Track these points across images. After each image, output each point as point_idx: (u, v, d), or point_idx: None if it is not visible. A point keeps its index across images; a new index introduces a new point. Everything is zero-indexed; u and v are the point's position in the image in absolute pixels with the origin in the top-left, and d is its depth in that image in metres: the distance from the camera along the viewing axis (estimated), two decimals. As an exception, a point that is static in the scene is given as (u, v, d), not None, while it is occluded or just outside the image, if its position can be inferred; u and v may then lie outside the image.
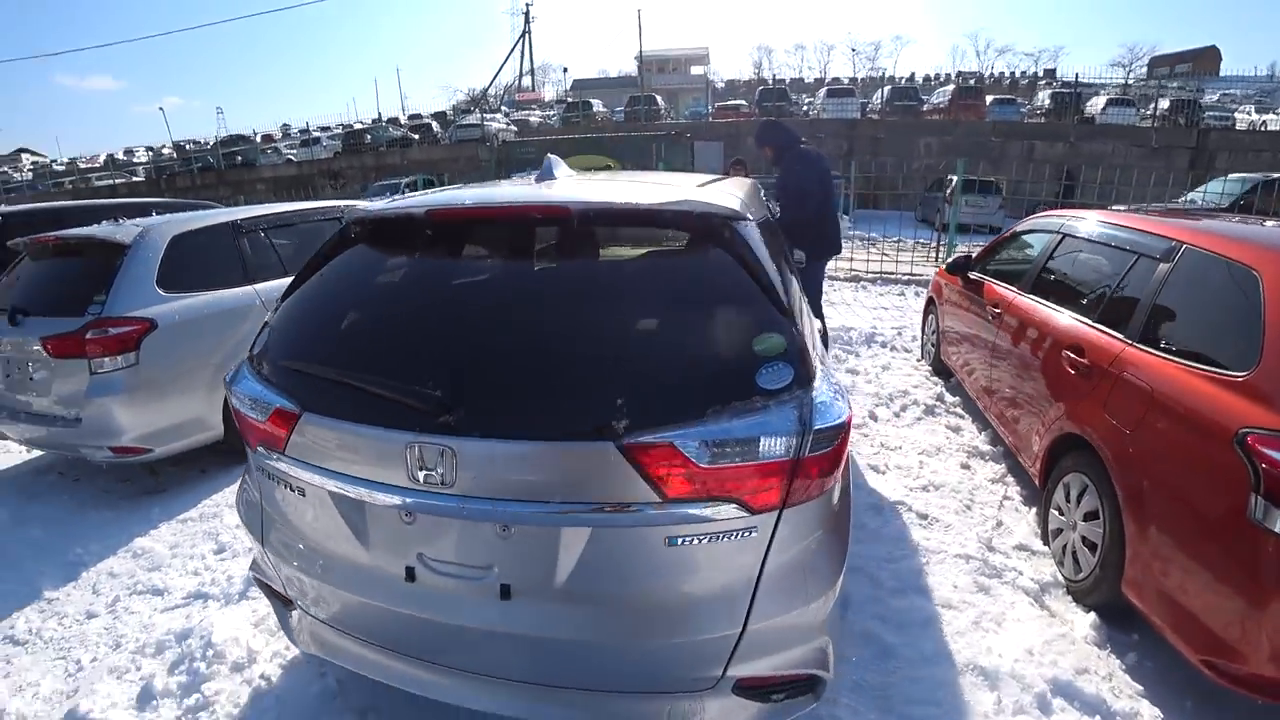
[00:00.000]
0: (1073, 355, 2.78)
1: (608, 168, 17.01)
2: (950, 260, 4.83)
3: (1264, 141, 22.55)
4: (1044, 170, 14.93)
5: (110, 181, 30.35)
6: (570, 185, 1.86)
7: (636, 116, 25.01)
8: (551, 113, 32.49)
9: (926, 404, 4.47)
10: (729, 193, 1.75)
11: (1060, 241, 3.55)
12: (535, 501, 1.38)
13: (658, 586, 1.39)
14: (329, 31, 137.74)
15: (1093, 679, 2.13)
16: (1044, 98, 28.22)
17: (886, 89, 28.08)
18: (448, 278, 1.76)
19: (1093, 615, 2.40)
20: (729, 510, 1.33)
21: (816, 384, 1.41)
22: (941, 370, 5.00)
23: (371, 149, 27.43)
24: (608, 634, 1.40)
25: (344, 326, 1.73)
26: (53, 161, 42.24)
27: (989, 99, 26.93)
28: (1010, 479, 3.49)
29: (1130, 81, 36.97)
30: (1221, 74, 45.01)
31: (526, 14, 45.51)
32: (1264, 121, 26.05)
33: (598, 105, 29.83)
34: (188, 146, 39.47)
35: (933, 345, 5.20)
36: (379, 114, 41.27)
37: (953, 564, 2.74)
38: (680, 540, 1.34)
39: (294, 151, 30.69)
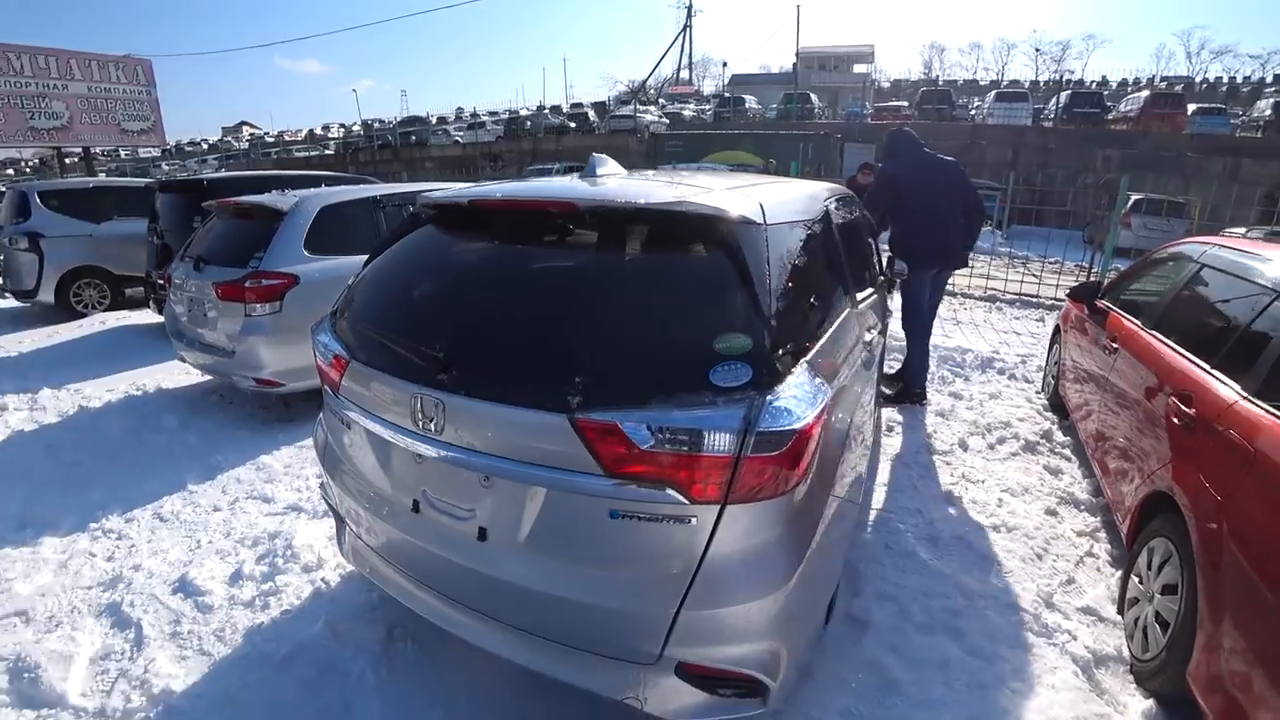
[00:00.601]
0: (1179, 403, 2.47)
1: (750, 165, 16.90)
2: (1078, 285, 4.37)
3: None
4: (1253, 193, 12.83)
5: (307, 154, 34.66)
6: (598, 183, 1.99)
7: (789, 115, 24.47)
8: (706, 107, 32.67)
9: (1029, 440, 4.13)
10: (749, 195, 1.78)
11: (1198, 271, 3.15)
12: (506, 458, 1.55)
13: (601, 554, 1.50)
14: (505, 20, 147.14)
15: (1119, 769, 1.95)
16: (1264, 107, 24.09)
17: (1065, 94, 25.22)
18: (473, 258, 1.99)
19: (1150, 703, 2.14)
20: (667, 495, 1.41)
21: (781, 388, 1.44)
22: (1058, 405, 4.56)
23: (530, 135, 29.13)
24: (560, 589, 1.53)
25: (394, 293, 2.01)
26: (265, 134, 48.94)
27: (1191, 108, 23.47)
28: (1102, 535, 3.17)
29: None
30: None
31: (689, 8, 45.88)
32: None
33: (751, 101, 29.51)
34: (374, 125, 44.08)
35: (1053, 378, 4.76)
36: (542, 102, 43.66)
37: (999, 612, 2.56)
38: (621, 515, 1.45)
39: (461, 134, 33.29)
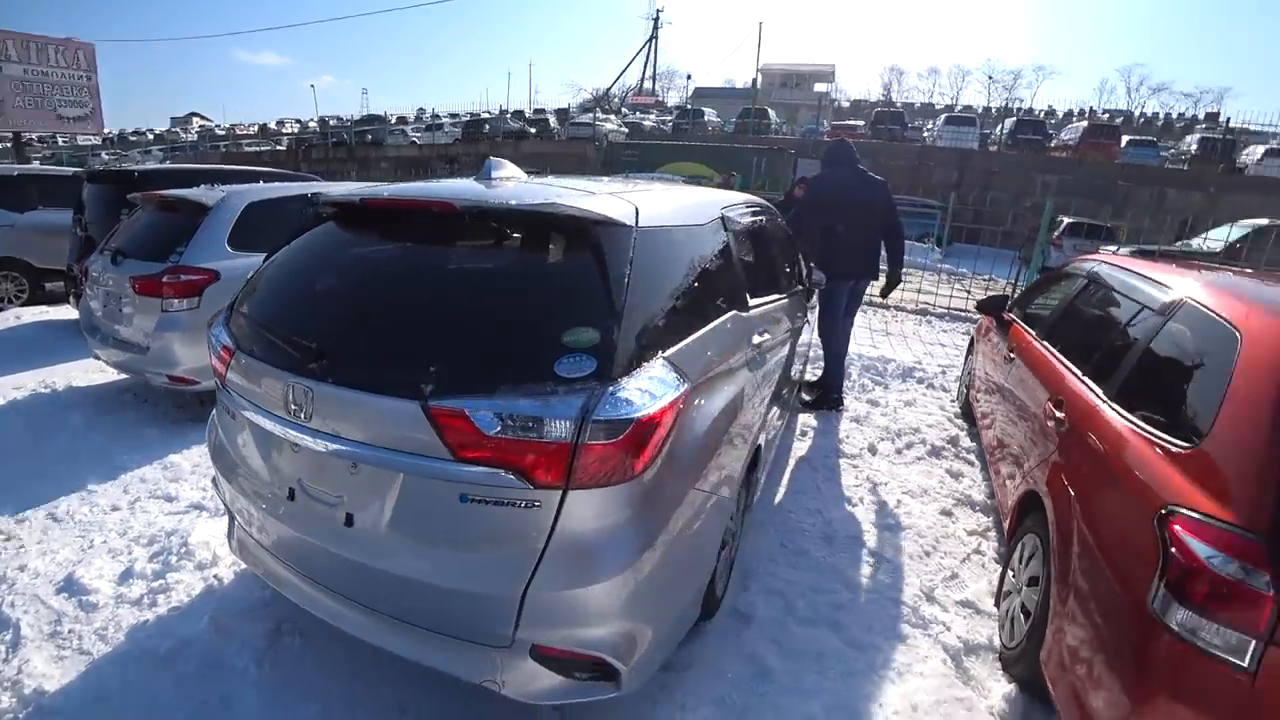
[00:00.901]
0: (1052, 407, 2.66)
1: (703, 177, 17.18)
2: (986, 298, 4.64)
3: None
4: (1175, 220, 13.62)
5: (257, 149, 33.76)
6: (490, 185, 2.06)
7: (746, 129, 24.96)
8: (668, 118, 33.06)
9: (935, 445, 4.33)
10: (629, 200, 1.88)
11: (1085, 286, 3.42)
12: (369, 444, 1.62)
13: (454, 538, 1.58)
14: (472, 21, 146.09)
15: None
16: (1191, 142, 25.73)
17: (1011, 121, 26.44)
18: (358, 254, 2.07)
19: (1013, 688, 2.30)
20: (512, 479, 1.49)
21: (628, 380, 1.53)
22: (968, 413, 4.80)
23: (488, 138, 28.97)
24: (419, 573, 1.59)
25: (283, 287, 2.06)
26: (215, 126, 47.49)
27: (1125, 139, 24.88)
28: (991, 534, 3.36)
29: None
30: None
31: (656, 19, 46.40)
32: None
33: (711, 114, 29.99)
34: (330, 122, 43.18)
35: (965, 387, 5.02)
36: (504, 106, 43.49)
37: (881, 606, 2.70)
38: (470, 499, 1.52)
39: (418, 135, 32.93)
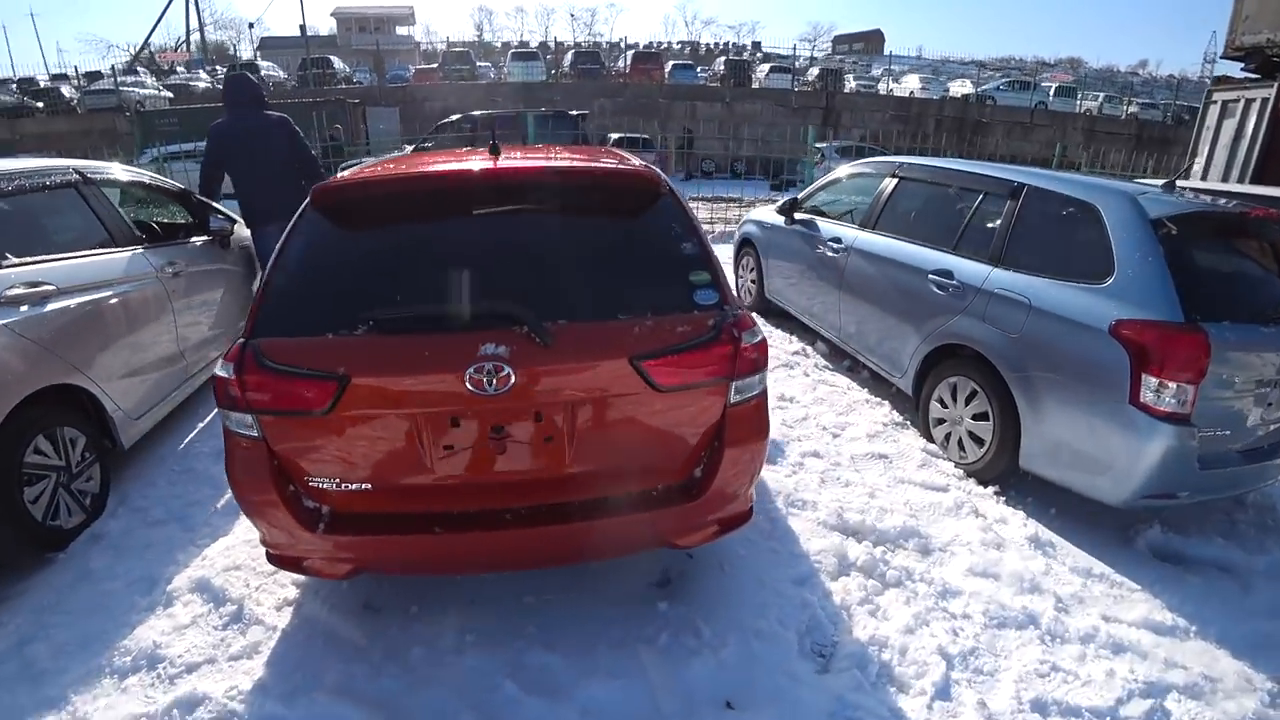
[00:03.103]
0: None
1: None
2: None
3: (873, 104, 27.90)
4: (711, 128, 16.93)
5: None
6: None
7: (307, 80, 23.19)
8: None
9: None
10: None
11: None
12: None
13: None
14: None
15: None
16: (719, 65, 31.74)
17: (571, 53, 29.42)
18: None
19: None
20: None
21: None
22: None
23: (-37, 122, 21.96)
24: None
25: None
26: None
27: (670, 64, 29.60)
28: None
29: (816, 56, 42.83)
30: (885, 53, 54.06)
31: (190, -47, 38.60)
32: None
33: (270, 68, 26.86)
34: None
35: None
36: (9, 71, 32.64)
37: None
38: None
39: None
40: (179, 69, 30.44)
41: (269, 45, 40.58)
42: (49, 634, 2.24)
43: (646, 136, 19.53)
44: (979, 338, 3.16)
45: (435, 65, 29.40)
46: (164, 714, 1.89)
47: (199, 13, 38.30)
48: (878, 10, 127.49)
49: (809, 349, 4.86)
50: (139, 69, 29.79)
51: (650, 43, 49.90)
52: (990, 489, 3.12)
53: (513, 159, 2.23)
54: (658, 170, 2.21)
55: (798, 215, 5.06)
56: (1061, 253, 3.01)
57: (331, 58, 27.29)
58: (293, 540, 1.91)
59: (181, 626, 2.24)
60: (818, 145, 18.56)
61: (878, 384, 4.21)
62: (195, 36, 38.57)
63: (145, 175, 4.23)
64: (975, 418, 3.23)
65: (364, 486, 1.90)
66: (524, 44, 44.40)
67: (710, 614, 2.22)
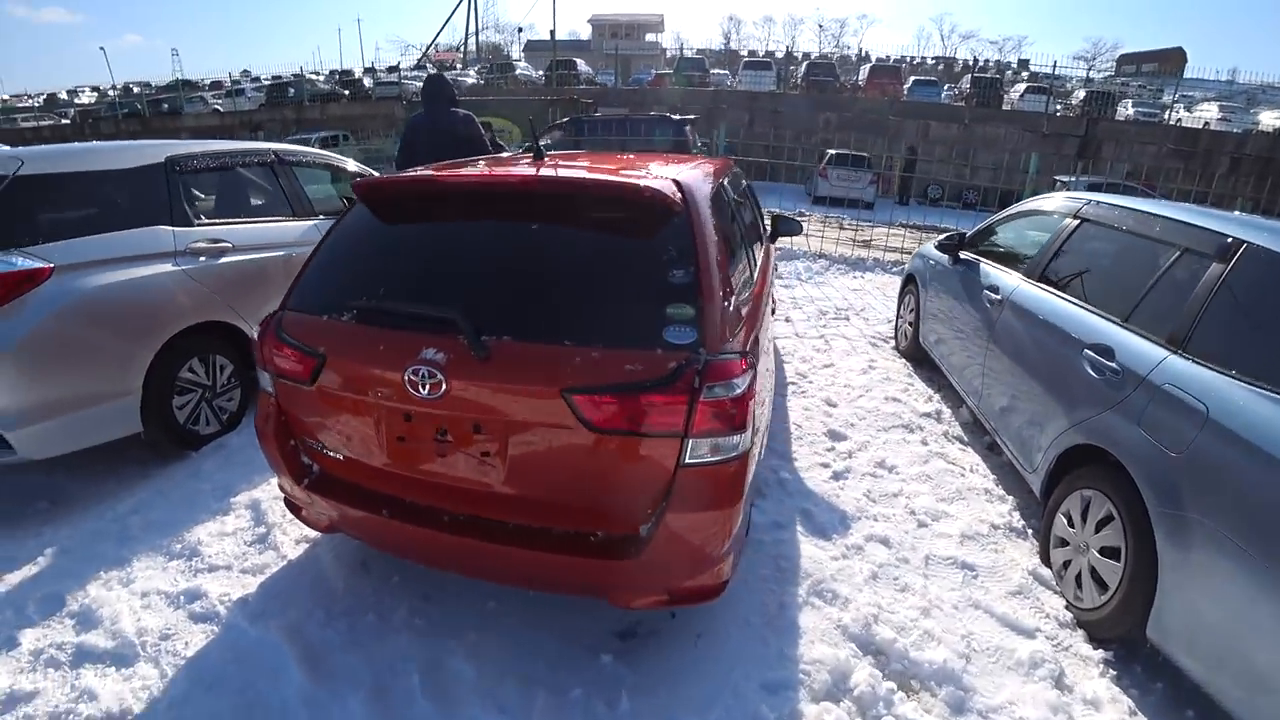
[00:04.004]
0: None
1: (505, 129, 17.77)
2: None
3: (1146, 134, 23.58)
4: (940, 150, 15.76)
5: (35, 123, 30.22)
6: None
7: (551, 81, 25.45)
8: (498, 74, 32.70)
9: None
10: None
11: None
12: None
13: None
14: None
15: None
16: (966, 82, 29.02)
17: (803, 65, 28.73)
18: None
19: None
20: None
21: None
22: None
23: (294, 103, 27.60)
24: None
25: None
26: (-15, 98, 41.50)
27: (911, 80, 27.69)
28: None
29: (1094, 76, 37.49)
30: (1186, 75, 45.45)
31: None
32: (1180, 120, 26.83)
33: (524, 68, 29.99)
34: (134, 89, 39.01)
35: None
36: (312, 67, 40.84)
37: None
38: None
39: (220, 102, 30.69)
40: (455, 66, 35.55)
41: (532, 48, 45.48)
42: (150, 511, 2.82)
43: (865, 154, 18.43)
44: (1127, 445, 2.27)
45: (669, 71, 30.74)
46: (177, 594, 2.29)
47: (478, 18, 44.17)
48: (1177, 25, 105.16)
49: (946, 413, 4.13)
50: (426, 65, 35.30)
51: (901, 56, 47.07)
52: (1099, 652, 2.25)
53: (542, 167, 2.21)
54: (678, 189, 2.03)
55: (963, 254, 4.32)
56: (1278, 347, 2.00)
57: (577, 60, 29.79)
58: (291, 489, 2.12)
59: (224, 533, 2.67)
60: (1061, 180, 16.09)
61: (1010, 476, 3.39)
62: (474, 40, 44.64)
63: (335, 159, 4.89)
64: (1104, 551, 2.34)
65: (338, 455, 2.05)
66: (768, 53, 44.43)
67: (645, 689, 1.94)
